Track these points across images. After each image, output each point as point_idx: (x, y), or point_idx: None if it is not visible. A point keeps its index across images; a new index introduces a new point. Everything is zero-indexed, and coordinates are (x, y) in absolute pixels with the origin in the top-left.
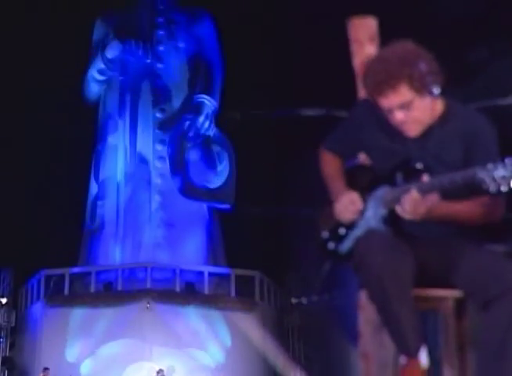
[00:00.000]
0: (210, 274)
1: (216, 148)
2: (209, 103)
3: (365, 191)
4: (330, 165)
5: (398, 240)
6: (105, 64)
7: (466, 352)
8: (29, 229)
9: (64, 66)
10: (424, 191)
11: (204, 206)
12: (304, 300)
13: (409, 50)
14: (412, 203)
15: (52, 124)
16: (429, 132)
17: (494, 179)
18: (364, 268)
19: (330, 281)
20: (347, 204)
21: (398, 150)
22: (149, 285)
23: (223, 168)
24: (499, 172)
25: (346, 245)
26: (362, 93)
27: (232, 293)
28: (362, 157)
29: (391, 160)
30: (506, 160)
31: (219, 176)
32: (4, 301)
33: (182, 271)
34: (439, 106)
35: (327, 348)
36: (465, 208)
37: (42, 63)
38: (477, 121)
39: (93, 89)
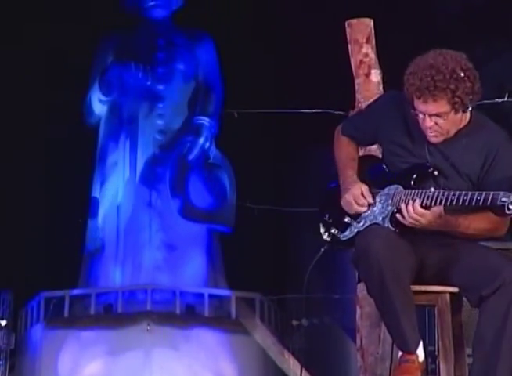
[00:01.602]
0: (210, 296)
1: (216, 170)
2: (209, 124)
3: (372, 183)
4: (345, 150)
5: (399, 237)
6: (105, 86)
7: (462, 346)
8: (28, 251)
9: (65, 86)
10: (439, 202)
11: (204, 228)
12: (304, 322)
13: (460, 66)
14: (415, 215)
15: (52, 144)
16: (451, 142)
17: None
18: (365, 261)
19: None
20: (358, 195)
21: (416, 153)
22: (149, 307)
23: (223, 190)
24: None
25: (347, 234)
26: (359, 92)
27: (233, 315)
28: (373, 148)
29: (407, 160)
30: None
31: (219, 198)
32: (3, 323)
33: (182, 293)
34: (466, 117)
35: (328, 370)
36: (473, 224)
37: (42, 83)
38: (499, 137)
39: (93, 111)
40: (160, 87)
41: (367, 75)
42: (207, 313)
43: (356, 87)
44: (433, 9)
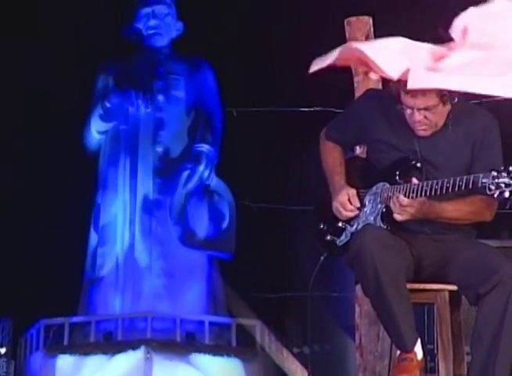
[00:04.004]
0: (210, 324)
1: (216, 197)
2: (208, 152)
3: (361, 185)
4: (331, 156)
5: (394, 235)
6: (105, 114)
7: (461, 344)
8: (28, 278)
9: (64, 113)
10: (424, 193)
11: (205, 255)
12: (305, 349)
13: None
14: (404, 207)
15: (51, 173)
16: (440, 133)
17: (498, 186)
18: (359, 262)
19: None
20: (344, 202)
21: (403, 147)
22: (149, 335)
23: (223, 217)
24: (504, 180)
25: (343, 238)
26: (358, 90)
27: (233, 342)
28: (359, 150)
29: (393, 156)
30: (511, 168)
31: (219, 225)
32: (3, 351)
33: (182, 321)
34: (450, 107)
35: None
36: (458, 209)
37: (42, 109)
38: (484, 119)
39: (93, 139)
40: (160, 115)
41: (366, 73)
42: (207, 341)
43: (355, 85)
44: (432, 7)
